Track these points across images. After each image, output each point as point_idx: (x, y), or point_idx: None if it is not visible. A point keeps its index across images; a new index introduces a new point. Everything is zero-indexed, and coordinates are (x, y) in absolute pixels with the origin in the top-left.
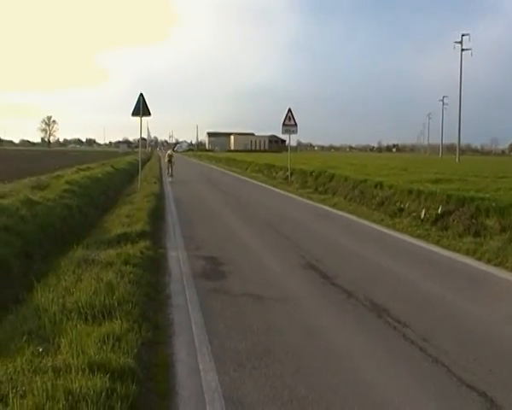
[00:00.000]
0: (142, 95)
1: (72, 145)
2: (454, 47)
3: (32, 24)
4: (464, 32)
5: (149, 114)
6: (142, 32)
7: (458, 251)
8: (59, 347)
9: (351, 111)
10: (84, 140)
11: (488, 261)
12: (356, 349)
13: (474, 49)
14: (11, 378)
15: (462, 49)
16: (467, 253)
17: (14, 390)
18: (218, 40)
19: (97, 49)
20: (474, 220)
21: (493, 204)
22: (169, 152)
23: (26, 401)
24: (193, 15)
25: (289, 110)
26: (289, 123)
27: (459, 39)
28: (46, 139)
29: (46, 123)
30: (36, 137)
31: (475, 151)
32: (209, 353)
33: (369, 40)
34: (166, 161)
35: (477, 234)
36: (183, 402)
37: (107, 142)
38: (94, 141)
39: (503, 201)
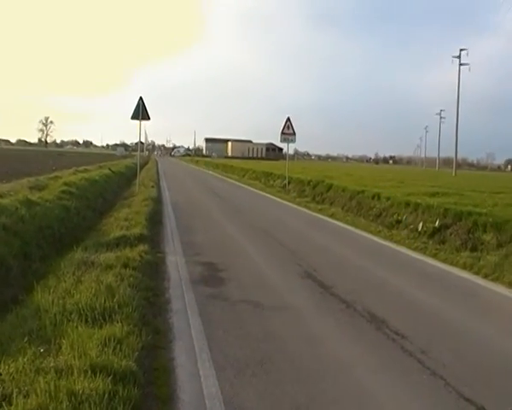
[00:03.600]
0: (141, 98)
1: (69, 146)
2: (452, 61)
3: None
4: (463, 47)
5: (149, 118)
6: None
7: (455, 265)
8: (60, 348)
9: (348, 122)
10: (80, 142)
11: (485, 276)
12: (355, 360)
13: (471, 63)
14: (13, 378)
15: (461, 64)
16: (464, 267)
17: (17, 390)
18: (219, 49)
19: (112, 59)
20: (471, 235)
21: (490, 219)
22: None
23: (29, 401)
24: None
25: (288, 119)
26: (288, 132)
27: (457, 54)
28: (43, 140)
29: (43, 123)
30: (33, 138)
31: (471, 165)
32: (209, 359)
33: (368, 52)
34: None
35: (474, 249)
36: (184, 407)
37: (104, 144)
38: (91, 143)
39: (500, 216)
